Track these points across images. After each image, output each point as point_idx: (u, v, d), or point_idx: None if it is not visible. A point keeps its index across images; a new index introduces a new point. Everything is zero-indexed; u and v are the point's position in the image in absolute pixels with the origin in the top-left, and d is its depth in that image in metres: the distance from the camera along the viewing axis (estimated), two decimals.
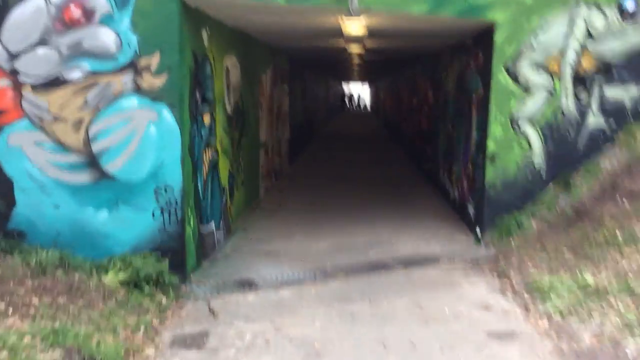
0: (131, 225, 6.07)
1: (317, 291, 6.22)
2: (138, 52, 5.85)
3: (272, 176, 12.54)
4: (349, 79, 40.43)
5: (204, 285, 6.29)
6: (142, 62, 5.87)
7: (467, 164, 9.18)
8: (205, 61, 6.96)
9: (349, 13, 6.99)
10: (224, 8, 6.90)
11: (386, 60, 17.05)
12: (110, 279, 5.56)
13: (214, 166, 7.49)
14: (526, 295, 5.84)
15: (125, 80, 5.84)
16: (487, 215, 8.09)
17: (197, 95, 6.64)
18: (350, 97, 56.27)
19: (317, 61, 18.23)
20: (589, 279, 5.84)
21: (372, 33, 9.10)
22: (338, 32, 9.06)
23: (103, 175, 5.99)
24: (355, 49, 12.00)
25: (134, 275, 5.61)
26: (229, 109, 8.27)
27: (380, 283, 6.48)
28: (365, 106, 63.32)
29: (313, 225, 8.99)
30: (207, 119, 7.07)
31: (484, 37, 8.34)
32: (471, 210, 8.82)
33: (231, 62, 8.33)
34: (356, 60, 16.42)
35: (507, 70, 7.89)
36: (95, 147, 5.93)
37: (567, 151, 8.26)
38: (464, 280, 6.57)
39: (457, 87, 10.32)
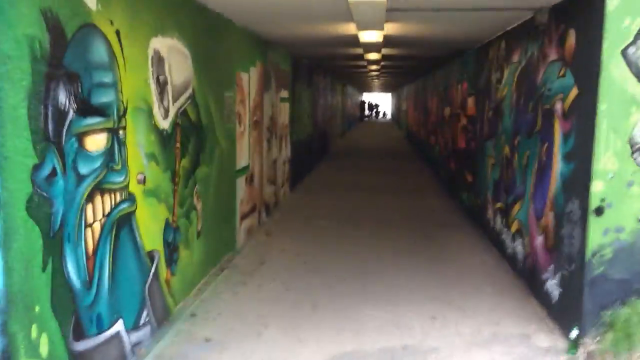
0: None
1: None
2: None
3: (260, 212, 9.36)
4: (368, 87, 37.30)
5: None
6: None
7: (544, 211, 5.89)
8: (89, 34, 3.78)
9: None
10: None
11: (411, 58, 13.83)
12: None
13: (123, 222, 4.32)
14: None
15: None
16: (588, 304, 4.80)
17: (63, 98, 3.48)
18: (370, 105, 53.07)
19: (329, 61, 15.08)
20: None
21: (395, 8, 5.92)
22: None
23: None
24: (375, 36, 8.83)
25: None
26: (164, 122, 5.12)
27: None
28: (385, 114, 60.21)
29: (302, 304, 5.76)
30: (96, 142, 3.90)
31: (580, 3, 5.09)
32: (554, 288, 5.50)
33: (168, 47, 5.18)
34: (374, 57, 13.23)
35: (626, 60, 4.63)
36: None
37: None
38: None
39: (521, 90, 7.05)
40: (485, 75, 9.28)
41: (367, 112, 52.74)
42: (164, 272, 5.17)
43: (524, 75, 6.92)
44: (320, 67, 17.38)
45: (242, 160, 8.05)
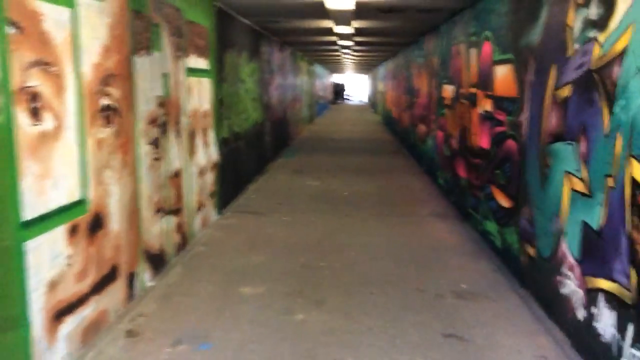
0: None
1: None
2: None
3: (133, 277, 5.00)
4: (341, 66, 32.90)
5: None
6: None
7: None
8: None
9: None
10: None
11: (398, 11, 9.52)
12: None
13: None
14: None
15: None
16: None
17: None
18: (342, 88, 48.45)
19: (278, 19, 10.67)
20: None
21: None
22: None
23: None
24: None
25: None
26: None
27: None
28: (359, 98, 56.04)
29: None
30: None
31: None
32: None
33: None
34: (342, 6, 8.93)
35: None
36: None
37: None
38: None
39: None
40: (549, 22, 4.99)
41: (339, 96, 48.01)
42: None
43: None
44: (272, 34, 12.95)
45: (50, 194, 3.67)
